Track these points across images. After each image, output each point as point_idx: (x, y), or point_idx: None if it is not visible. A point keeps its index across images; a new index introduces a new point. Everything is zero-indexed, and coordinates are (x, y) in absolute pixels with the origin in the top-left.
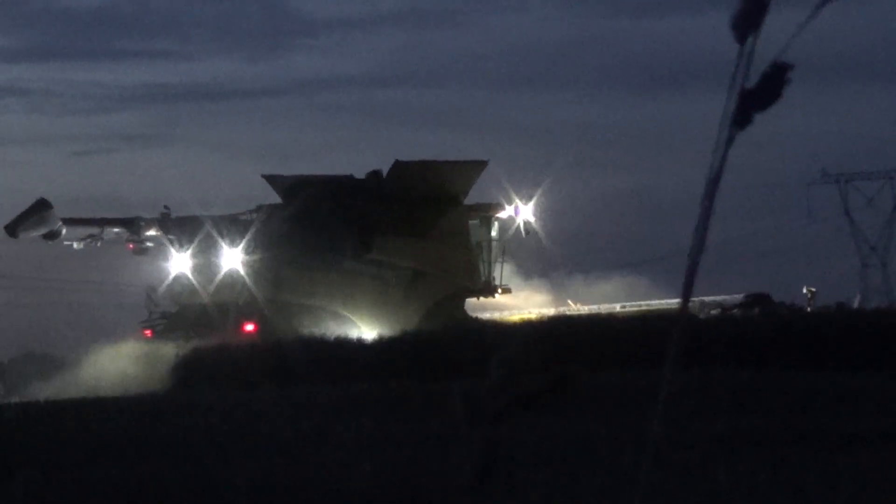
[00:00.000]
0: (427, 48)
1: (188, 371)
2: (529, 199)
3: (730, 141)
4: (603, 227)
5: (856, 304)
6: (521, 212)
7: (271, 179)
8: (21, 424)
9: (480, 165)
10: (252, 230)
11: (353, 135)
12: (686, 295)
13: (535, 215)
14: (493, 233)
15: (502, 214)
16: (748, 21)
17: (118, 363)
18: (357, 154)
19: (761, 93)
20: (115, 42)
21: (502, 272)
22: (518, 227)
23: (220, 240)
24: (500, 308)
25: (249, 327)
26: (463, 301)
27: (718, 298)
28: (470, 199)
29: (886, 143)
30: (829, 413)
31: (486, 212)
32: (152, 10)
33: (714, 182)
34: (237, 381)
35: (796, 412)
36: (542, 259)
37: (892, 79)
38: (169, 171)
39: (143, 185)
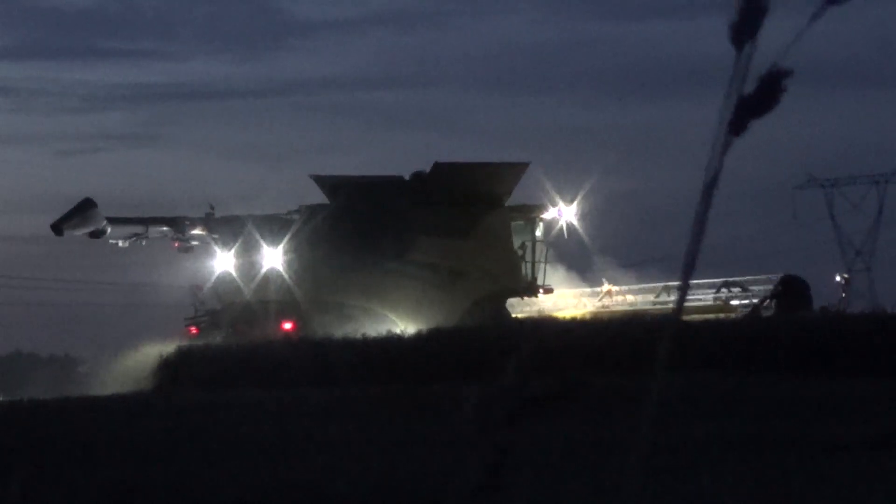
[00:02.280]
0: (416, 50)
1: (175, 371)
2: (572, 200)
3: (726, 147)
4: (610, 229)
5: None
6: (563, 213)
7: (318, 180)
8: (7, 424)
9: (521, 167)
10: (292, 229)
11: (341, 136)
12: (681, 298)
13: (577, 216)
14: (538, 233)
15: (546, 215)
16: (746, 27)
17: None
18: (350, 155)
19: (758, 99)
20: (103, 42)
21: (545, 272)
22: (561, 228)
23: (262, 239)
24: (546, 306)
25: (287, 325)
26: (504, 300)
27: (743, 280)
28: (515, 200)
29: (873, 148)
30: (816, 419)
31: (530, 213)
32: (140, 10)
33: (710, 189)
34: (224, 381)
35: (782, 417)
36: (584, 258)
37: (879, 84)
38: (156, 170)
39: (131, 185)
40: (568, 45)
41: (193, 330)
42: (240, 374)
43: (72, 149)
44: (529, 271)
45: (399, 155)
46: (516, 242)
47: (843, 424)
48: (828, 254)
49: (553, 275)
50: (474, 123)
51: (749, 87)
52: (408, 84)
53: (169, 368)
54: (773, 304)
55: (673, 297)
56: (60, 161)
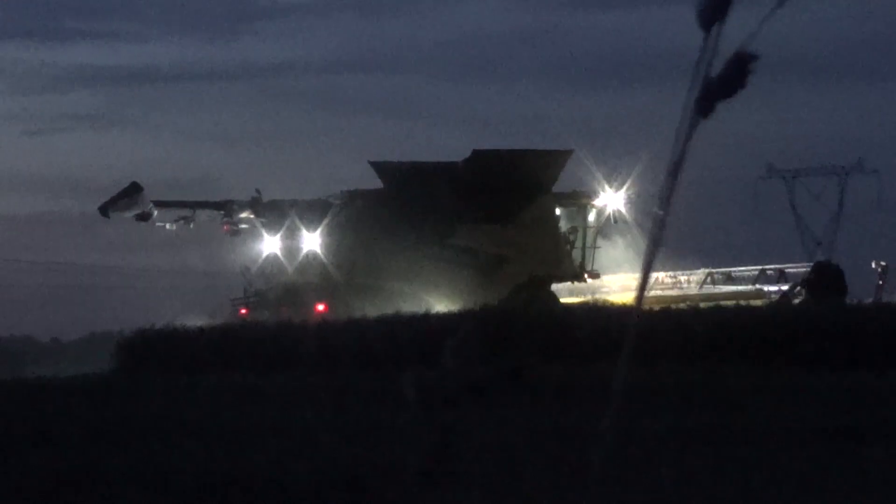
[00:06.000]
0: (384, 35)
1: (135, 354)
2: (620, 187)
3: (692, 128)
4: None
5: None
6: (611, 200)
7: (377, 166)
8: None
9: (565, 155)
10: (331, 213)
11: (306, 120)
12: (642, 285)
13: (625, 203)
14: (590, 219)
15: (597, 202)
16: (714, 10)
17: None
18: (315, 139)
19: (725, 81)
20: (70, 22)
21: (593, 258)
22: (609, 214)
23: (306, 223)
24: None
25: (320, 307)
26: (548, 285)
27: (781, 267)
28: (566, 187)
29: (834, 140)
30: (775, 410)
31: (579, 199)
32: None
33: (675, 170)
34: (184, 365)
35: (742, 409)
36: (631, 245)
37: (841, 77)
38: (123, 152)
39: (95, 165)
40: (536, 33)
41: (244, 311)
42: (204, 358)
43: (37, 128)
44: (578, 257)
45: (366, 141)
46: (566, 228)
47: (802, 416)
48: (788, 245)
49: (620, 259)
50: (441, 110)
51: (716, 71)
52: (375, 69)
53: (130, 350)
54: (803, 291)
55: (717, 285)
56: (26, 141)
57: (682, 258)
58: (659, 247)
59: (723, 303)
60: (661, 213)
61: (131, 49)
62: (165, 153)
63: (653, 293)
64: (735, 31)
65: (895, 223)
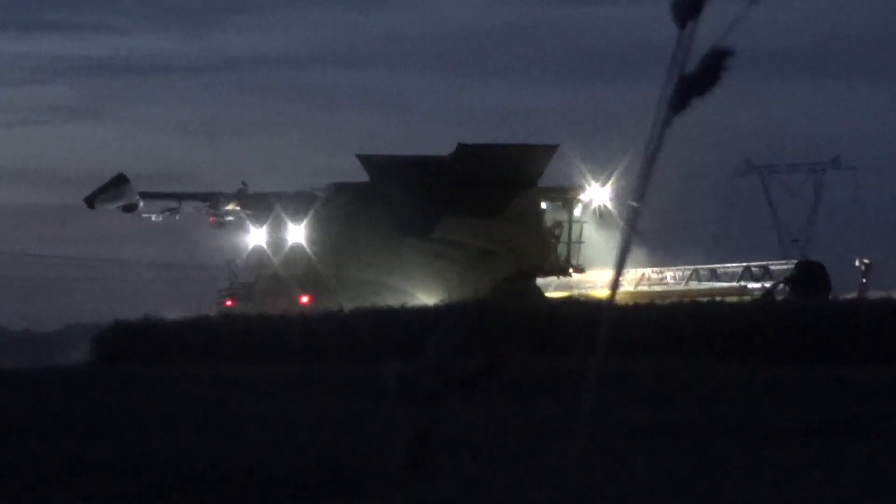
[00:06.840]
0: (364, 29)
1: (111, 346)
2: (606, 182)
3: (666, 124)
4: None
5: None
6: (597, 195)
7: (363, 159)
8: None
9: (551, 149)
10: (315, 206)
11: (293, 114)
12: (616, 280)
13: (611, 198)
14: (577, 213)
15: (583, 197)
16: (688, 6)
17: None
18: (297, 132)
19: (699, 78)
20: (48, 14)
21: (579, 252)
22: (595, 209)
23: (292, 215)
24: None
25: (304, 299)
26: (533, 279)
27: (766, 265)
28: (553, 182)
29: (811, 137)
30: (753, 405)
31: (565, 194)
32: None
33: (649, 164)
34: (166, 356)
35: (720, 403)
36: (616, 239)
37: (817, 73)
38: (100, 144)
39: (75, 158)
40: (522, 28)
41: (230, 302)
42: (181, 350)
43: (15, 120)
44: (563, 251)
45: (352, 134)
46: (551, 223)
47: (780, 411)
48: (764, 240)
49: (606, 254)
50: (427, 104)
51: (691, 67)
52: (360, 63)
53: (107, 343)
54: (786, 289)
55: (701, 282)
56: (4, 132)
57: (659, 251)
58: (634, 237)
59: (706, 299)
60: (635, 204)
61: (111, 41)
62: (146, 145)
63: (637, 288)
64: (712, 28)
65: (871, 219)
